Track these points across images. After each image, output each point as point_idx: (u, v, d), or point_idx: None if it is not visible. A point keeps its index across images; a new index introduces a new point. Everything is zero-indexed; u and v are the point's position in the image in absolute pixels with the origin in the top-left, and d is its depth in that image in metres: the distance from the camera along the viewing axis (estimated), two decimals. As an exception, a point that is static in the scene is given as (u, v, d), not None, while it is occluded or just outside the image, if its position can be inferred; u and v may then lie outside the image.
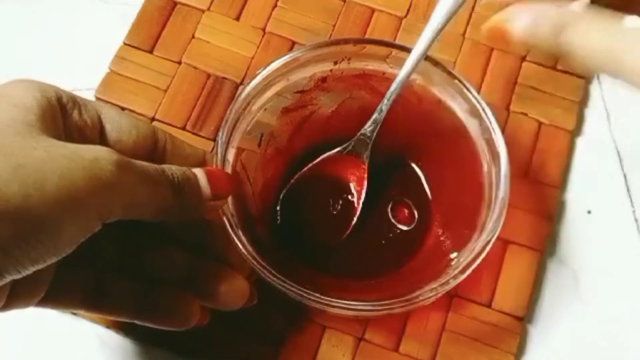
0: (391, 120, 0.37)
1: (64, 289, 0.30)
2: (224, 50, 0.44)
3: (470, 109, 0.36)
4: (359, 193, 0.39)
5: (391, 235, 0.39)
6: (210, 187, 0.30)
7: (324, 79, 0.38)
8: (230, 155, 0.35)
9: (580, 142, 0.43)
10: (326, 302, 0.31)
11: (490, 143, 0.35)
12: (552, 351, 0.38)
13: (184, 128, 0.42)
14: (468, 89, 0.35)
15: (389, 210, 0.39)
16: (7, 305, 0.27)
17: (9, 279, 0.24)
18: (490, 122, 0.35)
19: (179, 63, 0.43)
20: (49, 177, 0.24)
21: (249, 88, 0.35)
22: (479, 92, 0.36)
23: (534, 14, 0.33)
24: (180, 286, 0.31)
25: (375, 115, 0.37)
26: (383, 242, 0.39)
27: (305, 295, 0.31)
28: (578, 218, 0.41)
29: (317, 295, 0.31)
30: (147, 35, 0.44)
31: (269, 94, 0.37)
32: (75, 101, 0.30)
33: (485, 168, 0.35)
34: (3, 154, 0.24)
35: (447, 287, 0.32)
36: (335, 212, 0.39)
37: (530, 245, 0.39)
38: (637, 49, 0.31)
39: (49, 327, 0.37)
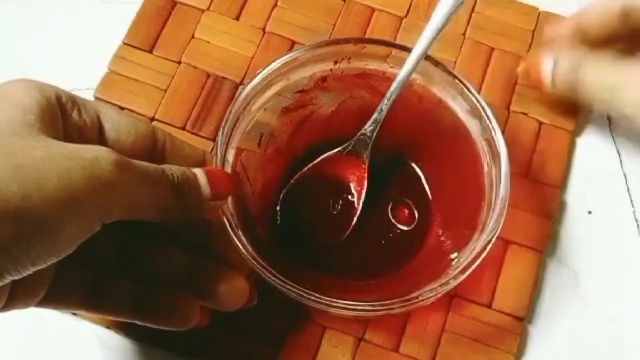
0: (391, 120, 0.37)
1: (63, 289, 0.30)
2: (224, 50, 0.44)
3: (471, 109, 0.36)
4: (359, 193, 0.39)
5: (391, 235, 0.39)
6: (210, 187, 0.30)
7: (324, 79, 0.38)
8: (230, 155, 0.35)
9: (581, 142, 0.43)
10: (326, 302, 0.31)
11: (490, 143, 0.35)
12: (552, 351, 0.38)
13: (183, 128, 0.42)
14: (468, 89, 0.35)
15: (389, 210, 0.39)
16: (7, 306, 0.27)
17: (9, 279, 0.24)
18: (491, 122, 0.35)
19: (179, 63, 0.43)
20: (49, 177, 0.24)
21: (248, 88, 0.35)
22: (479, 92, 0.36)
23: (555, 55, 0.39)
24: (180, 286, 0.31)
25: (375, 115, 0.37)
26: (383, 242, 0.39)
27: (305, 295, 0.31)
28: (578, 218, 0.41)
29: (317, 295, 0.31)
30: (147, 35, 0.44)
31: (268, 93, 0.37)
32: (74, 101, 0.30)
33: (485, 168, 0.35)
34: (3, 154, 0.24)
35: (447, 287, 0.32)
36: (335, 212, 0.39)
37: (530, 245, 0.39)
38: (634, 83, 0.36)
39: (48, 327, 0.37)
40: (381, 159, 0.39)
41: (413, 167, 0.40)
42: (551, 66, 0.39)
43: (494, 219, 0.33)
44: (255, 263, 0.32)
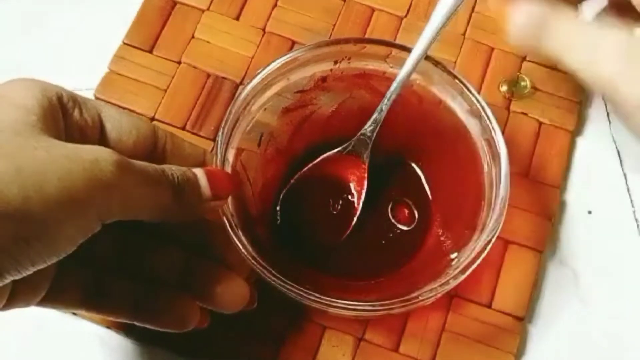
0: (391, 120, 0.37)
1: (64, 288, 0.30)
2: (224, 50, 0.44)
3: (471, 109, 0.36)
4: (359, 193, 0.39)
5: (391, 235, 0.39)
6: (210, 187, 0.30)
7: (324, 79, 0.38)
8: (230, 155, 0.35)
9: (581, 142, 0.43)
10: (326, 302, 0.31)
11: (490, 143, 0.35)
12: (552, 351, 0.38)
13: (183, 128, 0.42)
14: (468, 89, 0.35)
15: (389, 210, 0.39)
16: (8, 304, 0.28)
17: (9, 279, 0.24)
18: (491, 122, 0.35)
19: (179, 63, 0.43)
20: (49, 179, 0.24)
21: (248, 88, 0.35)
22: (479, 92, 0.36)
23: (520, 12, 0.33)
24: (180, 287, 0.31)
25: (375, 115, 0.37)
26: (383, 242, 0.39)
27: (305, 295, 0.31)
28: (578, 218, 0.41)
29: (317, 295, 0.31)
30: (147, 35, 0.44)
31: (269, 93, 0.37)
32: (75, 100, 0.30)
33: (485, 168, 0.35)
34: (4, 155, 0.24)
35: (447, 287, 0.32)
36: (335, 212, 0.39)
37: (530, 245, 0.39)
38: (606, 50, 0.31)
39: (49, 326, 0.37)
40: (381, 159, 0.39)
41: (413, 167, 0.40)
42: (517, 18, 0.34)
43: (494, 219, 0.33)
44: (255, 263, 0.32)
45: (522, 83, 0.42)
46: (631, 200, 0.41)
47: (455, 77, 0.36)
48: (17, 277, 0.24)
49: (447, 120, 0.37)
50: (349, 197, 0.39)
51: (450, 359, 0.37)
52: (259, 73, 0.35)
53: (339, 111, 0.40)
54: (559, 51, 0.32)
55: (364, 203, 0.39)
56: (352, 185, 0.39)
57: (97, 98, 0.42)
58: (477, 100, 0.35)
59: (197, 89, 0.43)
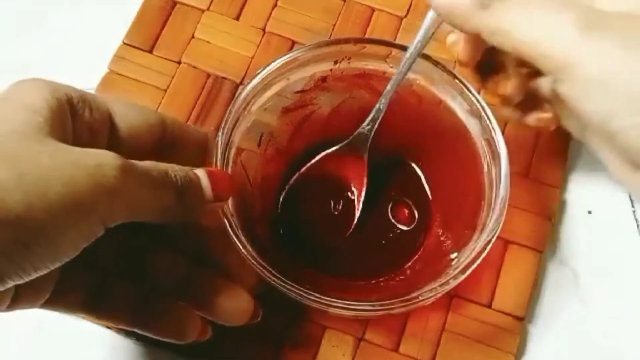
0: (391, 120, 0.37)
1: (66, 291, 0.30)
2: (224, 50, 0.44)
3: (471, 109, 0.36)
4: (359, 192, 0.39)
5: (391, 235, 0.39)
6: (211, 188, 0.30)
7: (324, 79, 0.38)
8: (230, 155, 0.35)
9: (580, 142, 0.42)
10: (326, 302, 0.31)
11: (490, 143, 0.35)
12: (552, 351, 0.38)
13: (183, 128, 0.42)
14: (468, 89, 0.35)
15: (389, 210, 0.39)
16: (10, 307, 0.28)
17: (11, 283, 0.24)
18: (491, 122, 0.35)
19: (179, 63, 0.43)
20: (53, 185, 0.24)
21: (248, 88, 0.35)
22: (479, 92, 0.36)
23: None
24: (180, 296, 0.31)
25: (372, 114, 0.37)
26: (383, 242, 0.39)
27: (305, 295, 0.31)
28: (578, 218, 0.41)
29: (317, 295, 0.31)
30: (147, 35, 0.44)
31: (269, 93, 0.37)
32: (85, 100, 0.29)
33: (485, 168, 0.35)
34: (8, 161, 0.24)
35: (447, 287, 0.32)
36: (335, 213, 0.39)
37: (530, 245, 0.39)
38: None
39: (50, 327, 0.37)
40: (381, 159, 0.39)
41: (413, 167, 0.40)
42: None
43: (494, 219, 0.33)
44: (255, 263, 0.32)
45: None
46: (631, 200, 0.41)
47: (455, 77, 0.36)
48: (19, 282, 0.24)
49: (447, 120, 0.37)
50: (349, 196, 0.39)
51: (450, 359, 0.37)
52: (259, 73, 0.35)
53: (339, 111, 0.40)
54: (501, 25, 0.29)
55: (364, 203, 0.39)
56: (352, 185, 0.39)
57: (97, 98, 0.42)
58: (477, 100, 0.35)
59: (197, 89, 0.43)
